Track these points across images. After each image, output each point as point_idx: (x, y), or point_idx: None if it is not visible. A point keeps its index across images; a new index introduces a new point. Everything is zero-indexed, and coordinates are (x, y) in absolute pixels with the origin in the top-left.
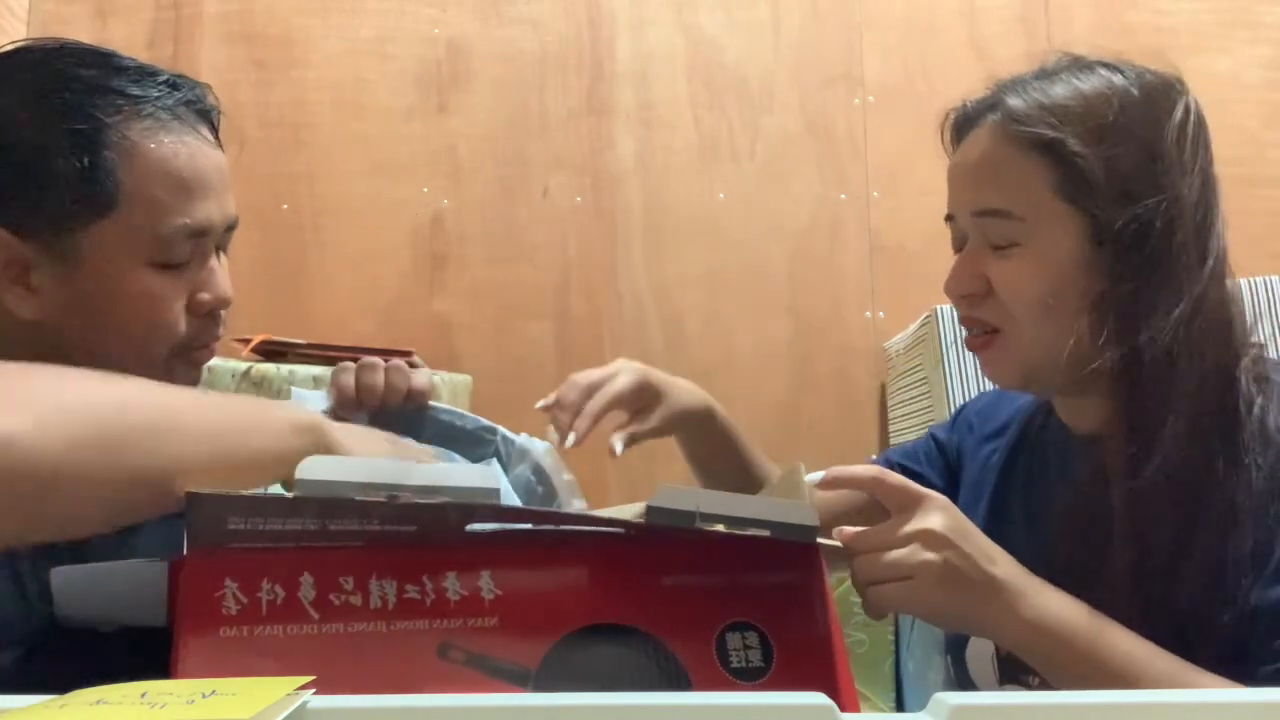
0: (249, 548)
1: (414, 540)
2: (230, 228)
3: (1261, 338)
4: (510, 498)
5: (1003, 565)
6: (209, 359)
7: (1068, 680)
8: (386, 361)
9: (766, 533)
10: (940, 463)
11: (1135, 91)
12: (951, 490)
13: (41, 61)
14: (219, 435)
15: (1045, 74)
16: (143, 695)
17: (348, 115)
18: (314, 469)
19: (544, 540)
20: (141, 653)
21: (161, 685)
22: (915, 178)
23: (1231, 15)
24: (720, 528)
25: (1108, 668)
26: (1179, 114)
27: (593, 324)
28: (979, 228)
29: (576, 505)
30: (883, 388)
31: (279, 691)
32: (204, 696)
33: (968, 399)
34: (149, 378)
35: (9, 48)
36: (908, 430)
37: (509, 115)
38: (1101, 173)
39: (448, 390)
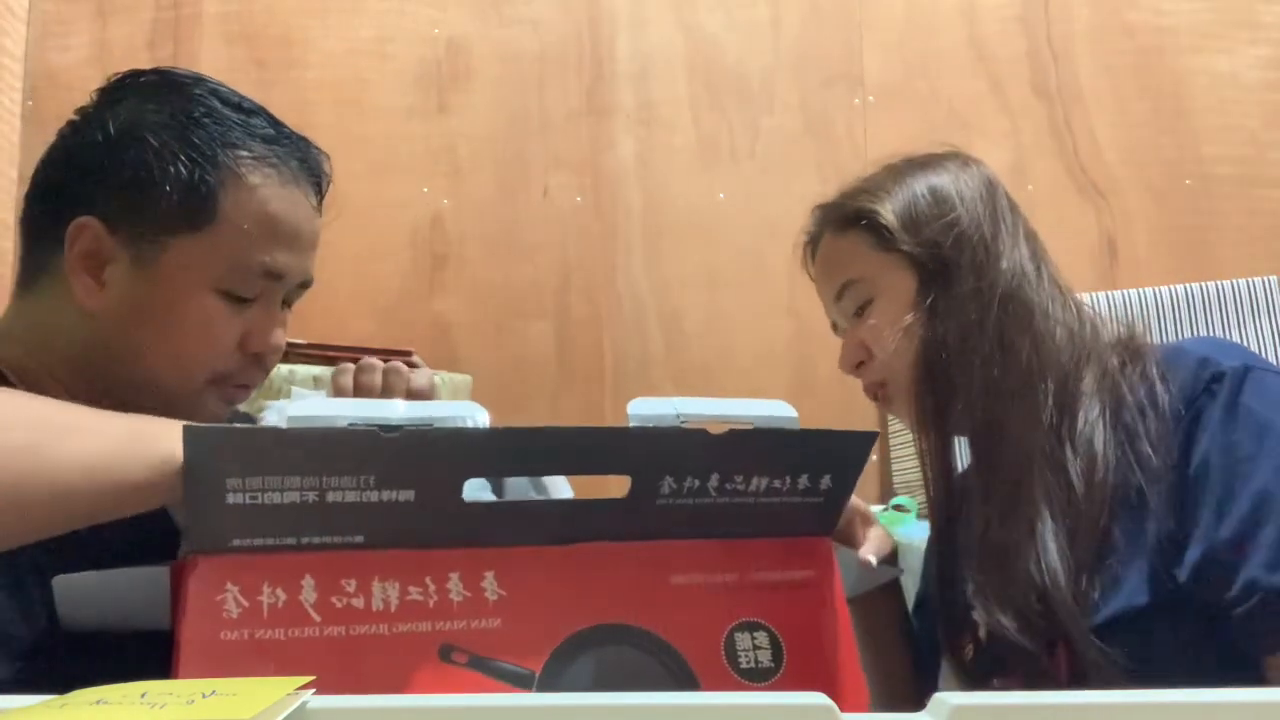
0: (250, 548)
1: (413, 513)
2: (304, 285)
3: (1118, 326)
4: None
5: None
6: (242, 400)
7: None
8: (385, 362)
9: (750, 426)
10: None
11: (925, 163)
12: None
13: (186, 83)
14: (94, 467)
15: (852, 184)
16: (143, 695)
17: (348, 115)
18: (303, 408)
19: (548, 537)
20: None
21: (161, 685)
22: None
23: (1231, 15)
24: (705, 428)
25: None
26: (956, 162)
27: (593, 324)
28: (842, 309)
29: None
30: None
31: (279, 691)
32: (204, 696)
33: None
34: (180, 398)
35: (160, 68)
36: (908, 430)
37: (509, 115)
38: (894, 217)
39: (448, 390)
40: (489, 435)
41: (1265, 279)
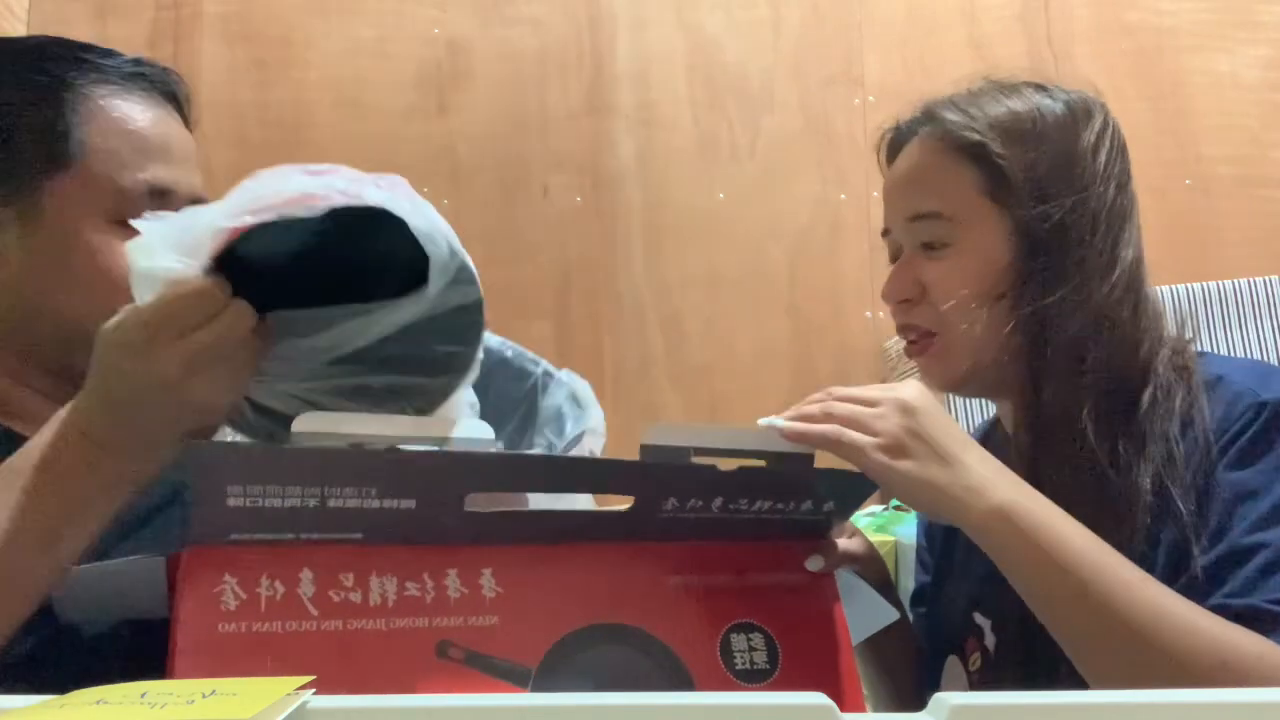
0: (248, 541)
1: (413, 517)
2: (197, 202)
3: (1182, 336)
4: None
5: (974, 453)
6: None
7: (1032, 587)
8: None
9: (763, 463)
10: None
11: (1055, 104)
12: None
13: (18, 41)
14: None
15: (973, 93)
16: (143, 695)
17: (348, 115)
18: (309, 423)
19: (546, 536)
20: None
21: (161, 685)
22: None
23: (1231, 15)
24: (715, 463)
25: (1073, 574)
26: (1097, 124)
27: (593, 324)
28: (912, 233)
29: (596, 445)
30: None
31: (279, 691)
32: (204, 696)
33: (967, 398)
34: None
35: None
36: None
37: (509, 115)
38: (1021, 172)
39: None
40: (493, 459)
41: (1265, 279)
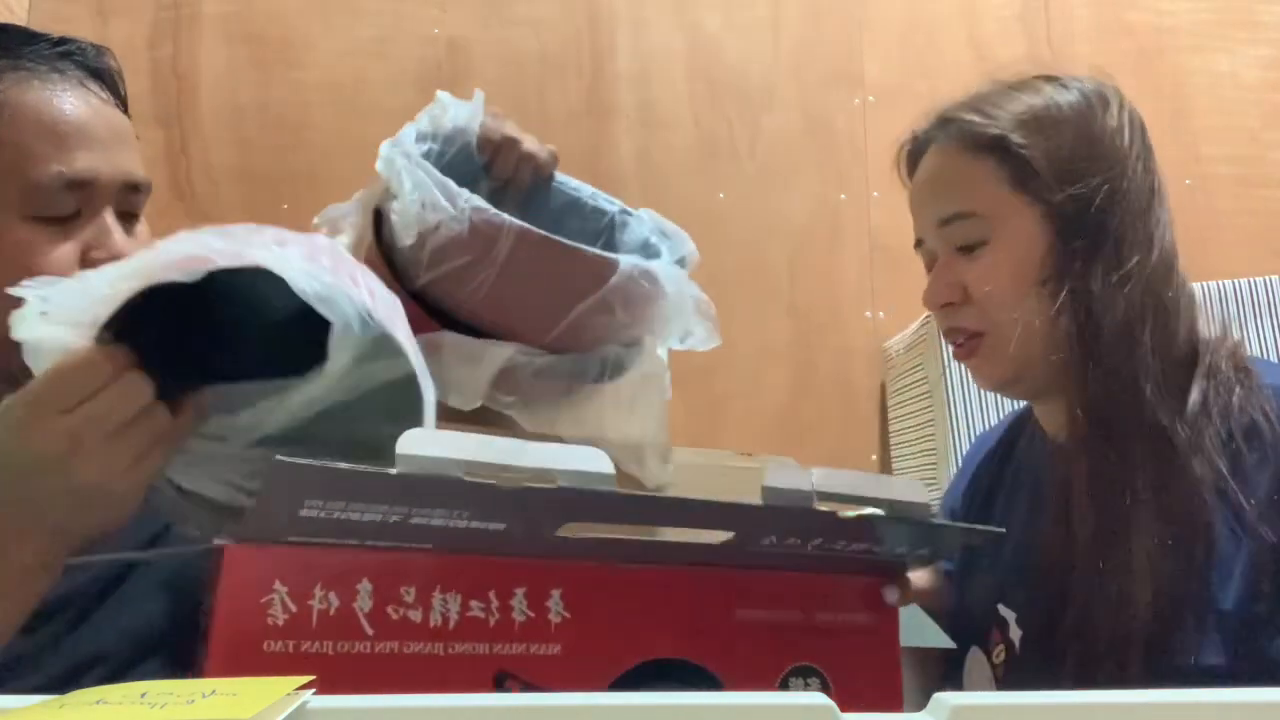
0: (304, 543)
1: (496, 541)
2: (132, 188)
3: (1241, 334)
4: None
5: None
6: None
7: None
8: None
9: (881, 511)
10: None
11: (1071, 92)
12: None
13: None
14: None
15: (985, 94)
16: (143, 695)
17: (348, 115)
18: (416, 444)
19: (620, 555)
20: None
21: (161, 685)
22: None
23: (1231, 15)
24: (836, 509)
25: None
26: (1114, 107)
27: None
28: (945, 236)
29: (703, 328)
30: (883, 388)
31: (279, 691)
32: (204, 696)
33: (968, 398)
34: None
35: None
36: (908, 430)
37: (509, 115)
38: (1045, 159)
39: None
40: (608, 496)
41: (1265, 279)
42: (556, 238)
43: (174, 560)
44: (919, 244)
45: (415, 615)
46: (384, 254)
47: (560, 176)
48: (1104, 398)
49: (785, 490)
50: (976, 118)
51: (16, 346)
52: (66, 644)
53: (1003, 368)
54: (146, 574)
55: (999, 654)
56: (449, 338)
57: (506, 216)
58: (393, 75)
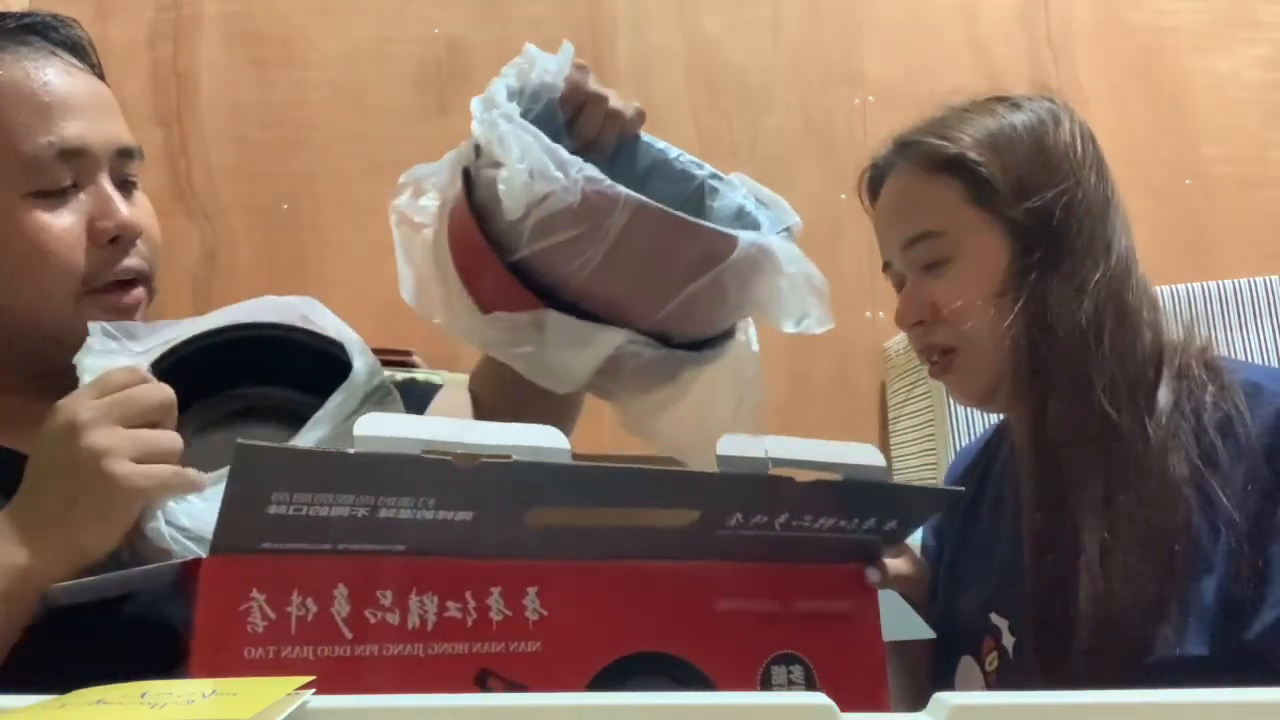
0: (279, 551)
1: (466, 537)
2: (125, 154)
3: (1206, 335)
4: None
5: None
6: (135, 303)
7: None
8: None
9: (839, 476)
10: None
11: (1024, 111)
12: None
13: None
14: None
15: (940, 118)
16: (143, 695)
17: (348, 115)
18: (373, 426)
19: (597, 551)
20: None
21: (161, 685)
22: None
23: (1231, 15)
24: (793, 474)
25: None
26: (1066, 122)
27: None
28: (911, 257)
29: (818, 309)
30: (883, 388)
31: (279, 691)
32: (204, 696)
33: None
34: (61, 327)
35: None
36: (908, 430)
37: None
38: (1000, 173)
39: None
40: (564, 470)
41: (1265, 279)
42: (676, 212)
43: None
44: (886, 267)
45: (393, 618)
46: (476, 220)
47: (645, 135)
48: (1060, 402)
49: (739, 458)
50: (934, 140)
51: (31, 328)
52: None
53: (979, 381)
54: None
55: (991, 660)
56: (552, 317)
57: (622, 188)
58: (393, 75)
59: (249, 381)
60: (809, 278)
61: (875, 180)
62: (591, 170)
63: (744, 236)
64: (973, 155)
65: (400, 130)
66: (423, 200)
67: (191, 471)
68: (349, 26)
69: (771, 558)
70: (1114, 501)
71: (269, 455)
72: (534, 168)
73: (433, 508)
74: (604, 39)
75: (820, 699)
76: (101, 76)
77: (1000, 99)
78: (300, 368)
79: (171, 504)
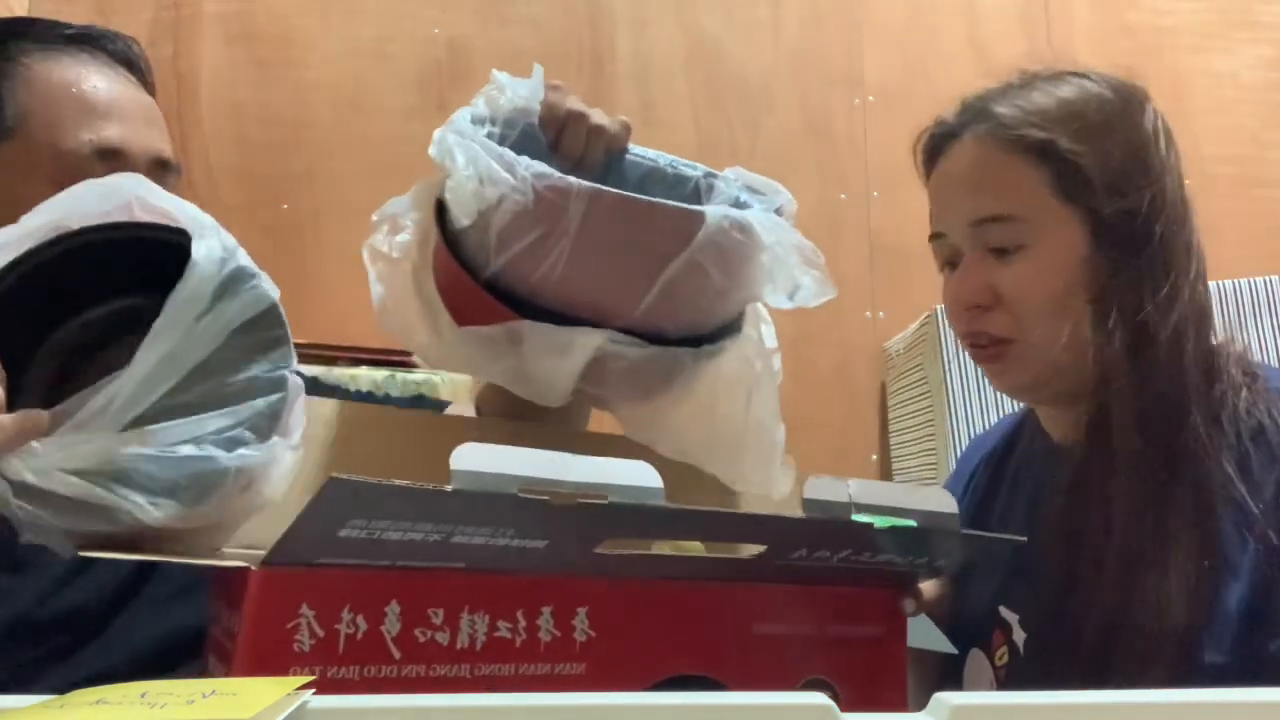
0: (332, 565)
1: (530, 559)
2: (162, 164)
3: (1246, 338)
4: None
5: None
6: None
7: None
8: (588, 122)
9: (913, 522)
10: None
11: (1109, 94)
12: None
13: None
14: None
15: (1018, 86)
16: (143, 695)
17: (348, 115)
18: (469, 460)
19: (644, 570)
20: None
21: (161, 685)
22: (915, 178)
23: (1231, 15)
24: (873, 520)
25: None
26: (1150, 113)
27: None
28: (978, 236)
29: (812, 279)
30: (883, 387)
31: (279, 691)
32: (204, 696)
33: (968, 399)
34: None
35: None
36: (908, 430)
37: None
38: (1096, 168)
39: (448, 389)
40: (659, 512)
41: (1265, 279)
42: (631, 195)
43: (189, 572)
44: (937, 237)
45: (443, 637)
46: (450, 247)
47: (634, 148)
48: (1155, 412)
49: (825, 503)
50: (1018, 114)
51: None
52: (70, 661)
53: (1027, 374)
54: (157, 590)
55: (1001, 655)
56: (529, 327)
57: (573, 179)
58: (393, 75)
59: (90, 294)
60: (798, 247)
61: (940, 140)
62: (540, 167)
63: (711, 211)
64: (1065, 144)
65: (400, 130)
66: (400, 236)
67: (32, 412)
68: (349, 26)
69: (810, 581)
70: (1152, 505)
71: (361, 490)
72: (482, 173)
73: (510, 536)
74: (604, 39)
75: (820, 699)
76: (152, 94)
77: (1078, 74)
78: (149, 260)
79: (13, 458)
